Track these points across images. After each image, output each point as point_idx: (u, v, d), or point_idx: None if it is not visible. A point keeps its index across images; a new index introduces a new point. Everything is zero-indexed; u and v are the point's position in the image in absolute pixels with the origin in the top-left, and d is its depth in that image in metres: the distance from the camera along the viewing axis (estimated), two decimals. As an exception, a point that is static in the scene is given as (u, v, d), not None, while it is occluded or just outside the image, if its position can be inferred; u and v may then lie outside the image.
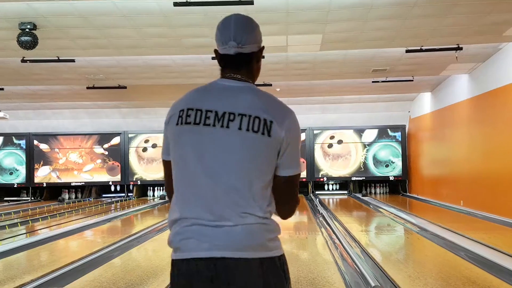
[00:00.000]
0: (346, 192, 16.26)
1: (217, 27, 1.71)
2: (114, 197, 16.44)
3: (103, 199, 16.11)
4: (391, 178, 15.89)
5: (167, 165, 1.73)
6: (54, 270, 5.36)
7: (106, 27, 6.99)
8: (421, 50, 8.38)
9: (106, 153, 16.31)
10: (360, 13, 6.63)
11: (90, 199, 16.09)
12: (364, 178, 15.94)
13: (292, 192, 1.69)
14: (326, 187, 16.50)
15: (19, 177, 16.29)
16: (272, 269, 1.58)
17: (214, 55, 7.24)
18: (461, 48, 8.32)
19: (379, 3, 6.33)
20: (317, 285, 4.67)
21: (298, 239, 7.47)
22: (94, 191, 16.65)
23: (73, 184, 16.31)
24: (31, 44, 6.80)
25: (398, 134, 15.90)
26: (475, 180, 10.33)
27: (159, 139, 16.24)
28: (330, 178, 16.16)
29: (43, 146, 16.28)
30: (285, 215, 1.72)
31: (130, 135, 16.32)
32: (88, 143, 16.32)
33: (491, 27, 7.28)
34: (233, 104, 1.60)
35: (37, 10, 6.40)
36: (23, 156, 16.28)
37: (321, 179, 16.06)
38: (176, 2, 5.88)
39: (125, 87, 11.43)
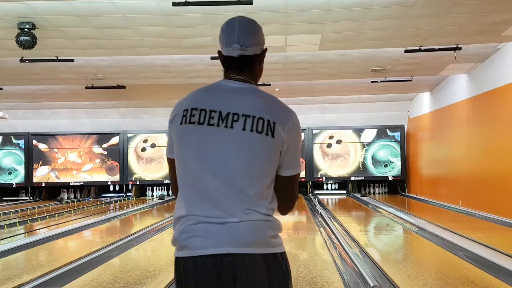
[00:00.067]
0: (345, 192, 16.26)
1: (221, 29, 1.73)
2: (113, 196, 16.42)
3: (102, 199, 16.08)
4: (390, 178, 15.90)
5: (171, 162, 1.77)
6: (53, 270, 5.35)
7: (105, 27, 6.98)
8: (420, 50, 8.37)
9: (105, 153, 16.29)
10: (359, 13, 6.62)
11: (89, 199, 16.06)
12: (363, 178, 15.94)
13: (292, 190, 1.75)
14: (325, 186, 16.49)
15: (18, 177, 16.26)
16: (276, 265, 1.62)
17: (213, 55, 7.26)
18: (460, 48, 8.31)
19: (378, 3, 6.33)
20: (316, 285, 4.66)
21: (297, 239, 7.46)
22: (93, 191, 16.64)
23: (72, 184, 16.29)
24: (30, 44, 6.78)
25: (397, 134, 15.90)
26: (474, 180, 10.33)
27: (158, 139, 16.25)
28: (329, 178, 16.16)
29: (42, 146, 16.26)
30: (284, 210, 1.78)
31: (129, 135, 16.31)
32: (87, 143, 16.30)
33: (490, 27, 7.27)
34: (237, 105, 1.63)
35: (36, 10, 6.39)
36: (22, 156, 16.26)
37: (320, 179, 16.06)
38: (175, 2, 5.87)
39: (124, 87, 11.40)
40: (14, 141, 16.28)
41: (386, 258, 6.05)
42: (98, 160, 16.31)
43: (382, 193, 16.22)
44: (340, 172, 16.02)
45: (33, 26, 6.76)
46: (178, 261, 1.64)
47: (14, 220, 10.33)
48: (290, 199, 1.76)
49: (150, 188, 16.69)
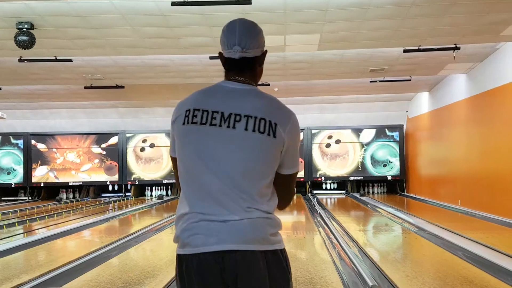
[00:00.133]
0: (344, 192, 16.25)
1: (222, 31, 1.78)
2: (112, 196, 16.39)
3: (102, 198, 16.06)
4: (389, 178, 15.89)
5: (175, 161, 1.81)
6: (52, 270, 5.33)
7: (104, 26, 6.97)
8: (418, 50, 8.36)
9: (104, 152, 16.26)
10: (358, 13, 6.62)
11: (88, 199, 16.03)
12: (362, 177, 15.93)
13: (290, 187, 1.82)
14: (324, 186, 16.48)
15: (16, 177, 16.23)
16: (276, 261, 1.67)
17: (212, 55, 7.26)
18: (458, 48, 8.31)
19: (376, 3, 6.32)
20: (315, 284, 4.65)
21: (296, 238, 7.45)
22: (92, 191, 16.61)
23: (70, 184, 16.25)
24: (29, 43, 6.77)
25: (396, 134, 15.90)
26: (472, 179, 10.34)
27: (157, 138, 16.23)
28: (328, 178, 16.15)
29: (41, 146, 16.23)
30: (283, 205, 1.84)
31: (128, 135, 16.28)
32: (86, 142, 16.27)
33: (489, 26, 7.27)
34: (238, 106, 1.68)
35: (35, 9, 6.38)
36: (20, 156, 16.23)
37: (319, 179, 16.05)
38: (174, 2, 5.86)
39: (122, 87, 11.38)
40: (12, 141, 16.25)
41: (385, 257, 6.04)
42: (97, 160, 16.28)
43: (381, 193, 16.21)
44: (339, 172, 16.02)
45: (32, 26, 6.74)
46: (180, 259, 1.68)
47: (13, 220, 10.30)
48: (288, 195, 1.83)
49: (149, 188, 16.66)
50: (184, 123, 1.70)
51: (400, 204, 13.14)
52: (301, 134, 15.72)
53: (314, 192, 15.99)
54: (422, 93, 14.02)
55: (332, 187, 16.57)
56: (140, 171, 16.25)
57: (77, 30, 7.12)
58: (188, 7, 6.11)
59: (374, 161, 15.92)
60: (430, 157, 13.59)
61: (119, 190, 16.59)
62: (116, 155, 16.23)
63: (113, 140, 16.30)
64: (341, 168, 15.99)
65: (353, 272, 5.07)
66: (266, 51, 1.83)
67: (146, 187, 16.68)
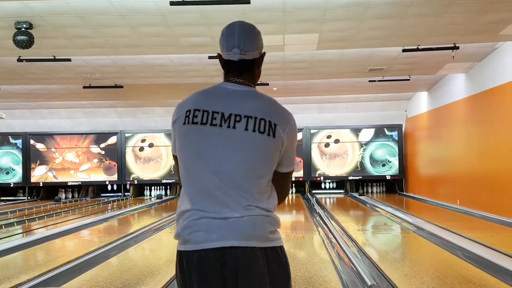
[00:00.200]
0: (343, 191, 16.24)
1: (221, 33, 1.82)
2: (111, 196, 16.35)
3: (101, 198, 16.02)
4: (388, 178, 15.89)
5: (177, 159, 1.85)
6: (51, 269, 5.33)
7: (103, 26, 6.95)
8: (417, 49, 8.35)
9: (103, 152, 16.22)
10: (357, 12, 6.61)
11: (87, 199, 15.99)
12: (361, 177, 15.93)
13: (286, 184, 1.89)
14: (322, 185, 16.47)
15: (15, 177, 16.19)
16: (276, 258, 1.72)
17: (211, 55, 7.28)
18: (457, 47, 8.30)
19: (375, 2, 6.31)
20: (314, 284, 4.65)
21: (294, 238, 7.45)
22: (91, 190, 16.57)
23: (69, 183, 16.21)
24: (27, 43, 6.76)
25: (394, 134, 15.90)
26: (471, 179, 10.33)
27: (156, 138, 16.21)
28: (327, 178, 16.15)
29: (40, 146, 16.19)
30: (279, 201, 1.89)
31: (126, 135, 16.23)
32: (85, 142, 16.23)
33: (488, 26, 7.26)
34: (238, 107, 1.73)
35: (33, 9, 6.36)
36: (19, 155, 16.19)
37: (318, 179, 16.05)
38: (173, 1, 5.86)
39: (121, 87, 11.36)
40: (11, 140, 16.20)
41: (384, 257, 6.03)
42: (96, 160, 16.24)
43: (380, 192, 16.20)
44: (338, 172, 16.01)
45: (30, 26, 6.72)
46: (181, 255, 1.72)
47: (12, 220, 10.26)
48: (284, 191, 1.90)
49: (148, 187, 16.62)
50: (184, 123, 1.74)
51: (399, 204, 13.13)
52: (300, 134, 15.80)
53: (313, 191, 15.98)
54: (421, 92, 14.01)
55: (330, 186, 16.55)
56: (139, 171, 16.22)
57: (76, 30, 7.10)
58: (187, 6, 6.10)
59: (373, 161, 15.91)
60: (429, 156, 13.58)
61: (118, 190, 16.57)
62: (115, 155, 16.19)
63: (112, 140, 16.26)
64: (340, 167, 15.99)
65: (352, 271, 5.06)
66: (265, 53, 1.88)
67: (145, 187, 16.65)
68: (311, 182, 16.08)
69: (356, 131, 15.98)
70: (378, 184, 16.33)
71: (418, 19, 6.92)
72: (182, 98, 1.86)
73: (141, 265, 5.75)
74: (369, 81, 11.54)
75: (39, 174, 16.19)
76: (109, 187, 16.64)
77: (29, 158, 16.12)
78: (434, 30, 7.42)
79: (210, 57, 8.51)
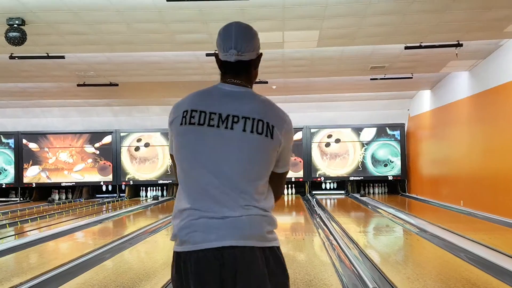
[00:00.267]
0: (343, 192, 16.15)
1: (218, 34, 1.85)
2: (106, 197, 16.28)
3: (95, 199, 15.95)
4: (390, 178, 15.79)
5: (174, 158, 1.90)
6: (44, 272, 5.27)
7: (97, 22, 6.87)
8: (420, 47, 8.29)
9: (98, 152, 16.10)
10: (358, 9, 6.54)
11: (81, 200, 15.90)
12: (362, 178, 15.82)
13: (281, 184, 1.93)
14: (323, 185, 16.37)
15: (7, 177, 16.06)
16: (274, 257, 1.75)
17: (208, 52, 7.16)
18: (461, 45, 8.25)
19: (377, -2, 6.23)
20: (314, 287, 4.62)
21: (294, 240, 7.42)
22: (85, 191, 16.48)
23: (63, 184, 16.08)
24: (20, 40, 6.68)
25: (397, 133, 15.80)
26: (475, 179, 10.26)
27: (152, 138, 16.09)
28: (327, 178, 16.03)
29: (32, 145, 16.06)
30: (275, 199, 1.91)
31: (122, 134, 16.09)
32: (79, 142, 16.10)
33: (492, 23, 7.20)
34: (236, 108, 1.76)
35: (26, 5, 6.27)
36: (11, 155, 16.06)
37: (319, 179, 15.93)
38: (169, -4, 5.76)
39: (116, 85, 11.30)
40: (3, 140, 16.06)
41: (385, 259, 5.98)
42: (90, 160, 16.11)
43: (381, 193, 16.13)
44: (339, 172, 15.90)
45: (23, 22, 6.64)
46: (179, 256, 1.73)
47: (4, 222, 10.15)
48: (279, 190, 1.93)
49: (144, 188, 16.51)
50: (182, 124, 1.77)
51: (401, 205, 13.09)
52: (300, 133, 15.77)
53: (314, 192, 15.90)
54: (423, 91, 13.95)
55: (331, 186, 16.44)
56: (135, 171, 16.08)
57: (69, 26, 7.02)
58: (184, 2, 6.09)
59: (375, 161, 15.81)
60: (432, 156, 13.51)
61: (113, 191, 16.45)
62: (110, 155, 16.05)
63: (107, 139, 16.12)
64: (341, 168, 15.88)
65: (353, 274, 5.03)
66: (261, 54, 1.90)
67: (141, 188, 16.53)
68: (311, 183, 15.98)
69: (358, 130, 15.87)
70: (379, 184, 16.24)
71: (421, 15, 6.86)
72: (179, 97, 1.86)
73: (137, 268, 5.71)
74: (371, 79, 11.48)
75: (31, 174, 16.05)
76: (104, 188, 16.53)
77: (22, 158, 15.97)
78: (437, 27, 7.37)
79: (207, 54, 8.44)
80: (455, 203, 11.16)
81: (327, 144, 15.90)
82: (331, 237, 7.39)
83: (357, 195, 15.23)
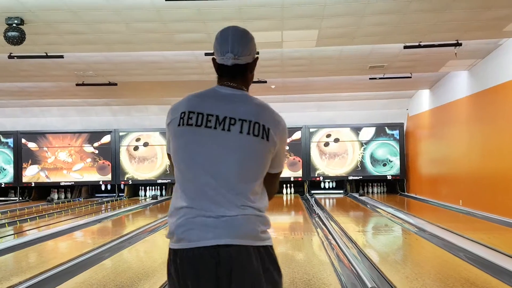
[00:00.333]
0: (342, 191, 16.13)
1: (216, 38, 1.89)
2: (105, 197, 16.23)
3: (94, 199, 15.92)
4: (389, 177, 15.77)
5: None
6: (43, 272, 5.26)
7: (96, 22, 6.85)
8: (419, 46, 8.27)
9: (97, 152, 16.05)
10: (357, 8, 6.53)
11: (80, 199, 15.86)
12: (361, 177, 15.81)
13: (275, 184, 1.97)
14: (322, 185, 16.35)
15: (6, 177, 16.01)
16: (269, 256, 1.79)
17: (207, 51, 7.18)
18: (460, 44, 8.23)
19: (376, -3, 6.22)
20: (313, 286, 4.62)
21: (293, 239, 7.40)
22: (84, 191, 16.44)
23: (62, 183, 16.03)
24: (19, 39, 6.65)
25: (396, 132, 15.78)
26: (474, 179, 10.25)
27: (150, 137, 16.06)
28: (326, 178, 16.01)
29: (31, 145, 16.02)
30: (268, 198, 1.96)
31: (121, 133, 16.05)
32: (78, 141, 16.06)
33: (491, 22, 7.18)
34: (233, 110, 1.80)
35: (25, 4, 6.25)
36: (10, 155, 16.02)
37: (317, 178, 15.92)
38: (167, -4, 5.75)
39: (115, 84, 11.27)
40: (2, 139, 16.02)
41: (384, 259, 5.96)
42: (89, 159, 16.07)
43: (380, 192, 16.11)
44: (337, 171, 15.88)
45: (22, 21, 6.62)
46: (175, 253, 1.76)
47: (3, 221, 10.13)
48: (273, 190, 1.97)
49: (142, 188, 16.47)
50: (179, 125, 1.81)
51: (400, 204, 13.06)
52: (299, 133, 15.75)
53: (312, 192, 15.88)
54: (422, 90, 13.93)
55: (330, 185, 16.42)
56: (134, 170, 16.04)
57: (68, 26, 7.00)
58: (183, 2, 6.06)
59: (374, 160, 15.79)
60: (431, 156, 13.50)
61: (112, 190, 16.40)
62: (109, 154, 16.00)
63: (106, 138, 16.07)
64: (340, 167, 15.86)
65: (351, 273, 5.02)
66: (257, 58, 1.96)
67: (140, 187, 16.49)
68: (310, 182, 15.96)
69: (357, 130, 15.85)
70: (378, 184, 16.21)
71: (420, 15, 6.84)
72: (178, 96, 1.88)
73: (136, 267, 5.69)
74: (370, 78, 11.46)
75: (31, 174, 16.00)
76: (103, 187, 16.47)
77: (21, 157, 15.92)
78: (436, 26, 7.35)
79: (206, 54, 8.43)
80: (454, 202, 11.14)
81: (326, 144, 15.88)
82: (330, 237, 7.38)
83: (356, 195, 15.21)
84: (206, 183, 1.75)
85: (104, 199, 15.54)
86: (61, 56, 8.57)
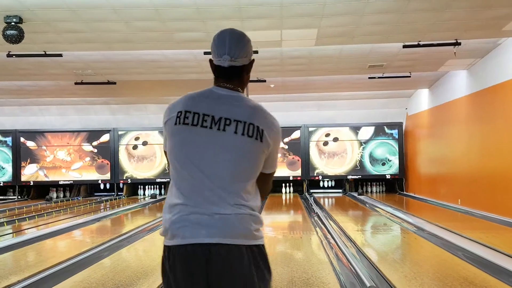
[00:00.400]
0: (341, 190, 16.13)
1: (213, 40, 1.94)
2: (104, 196, 16.21)
3: (93, 198, 15.90)
4: (388, 177, 15.77)
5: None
6: (42, 270, 5.26)
7: (95, 20, 6.83)
8: (418, 45, 8.25)
9: (95, 150, 16.03)
10: (356, 7, 6.51)
11: (79, 198, 15.84)
12: (360, 176, 15.80)
13: (267, 184, 2.00)
14: (321, 183, 16.35)
15: (5, 175, 15.98)
16: (261, 255, 1.83)
17: (206, 50, 7.20)
18: (459, 44, 8.20)
19: (375, -3, 6.21)
20: (312, 285, 4.62)
21: (292, 239, 7.40)
22: (83, 189, 16.42)
23: (61, 182, 16.00)
24: (17, 38, 6.63)
25: (395, 132, 15.78)
26: (473, 178, 10.24)
27: (149, 136, 16.05)
28: (325, 177, 16.01)
29: (30, 144, 15.99)
30: (261, 197, 1.99)
31: (120, 132, 16.02)
32: (77, 140, 16.03)
33: (490, 21, 7.16)
34: (228, 111, 1.84)
35: (23, 2, 6.23)
36: (9, 153, 15.99)
37: (317, 178, 15.91)
38: (166, -6, 5.73)
39: (114, 83, 11.22)
40: (1, 138, 15.97)
41: (383, 258, 5.97)
42: (88, 158, 16.04)
43: (379, 192, 16.11)
44: (337, 171, 15.88)
45: (20, 20, 6.59)
46: (169, 249, 1.80)
47: (2, 220, 10.12)
48: (266, 190, 2.01)
49: (141, 187, 16.45)
50: (176, 124, 1.84)
51: (399, 204, 13.07)
52: (298, 132, 15.74)
53: (311, 191, 15.87)
54: (422, 89, 13.92)
55: (329, 184, 16.42)
56: (133, 169, 16.02)
57: (67, 24, 6.97)
58: (182, 0, 6.00)
59: (373, 160, 15.79)
60: (430, 155, 13.50)
61: (111, 189, 16.36)
62: (108, 153, 15.97)
63: (105, 137, 16.05)
64: (339, 166, 15.85)
65: (350, 272, 5.02)
66: (253, 60, 1.99)
67: (139, 186, 16.46)
68: (309, 181, 15.95)
69: (356, 129, 15.84)
70: (377, 183, 16.22)
71: (419, 14, 6.83)
72: (177, 95, 1.92)
73: (135, 266, 5.69)
74: (369, 77, 11.44)
75: (29, 172, 15.98)
76: (102, 186, 16.43)
77: (19, 156, 15.89)
78: (436, 25, 7.33)
79: (205, 53, 8.41)
80: (453, 201, 11.14)
81: (325, 143, 15.87)
82: (328, 236, 7.37)
83: (355, 194, 15.21)
84: (201, 182, 1.79)
85: (103, 198, 15.51)
86: (60, 55, 8.55)
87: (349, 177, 15.81)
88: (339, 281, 4.74)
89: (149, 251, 6.80)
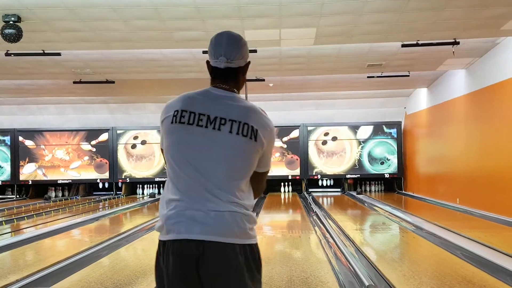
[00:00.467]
0: (340, 189, 16.13)
1: (210, 41, 1.99)
2: (102, 195, 16.19)
3: (92, 197, 15.90)
4: (387, 176, 15.78)
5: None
6: (40, 270, 5.26)
7: (93, 19, 6.82)
8: (417, 45, 8.26)
9: (94, 150, 16.02)
10: (355, 6, 6.51)
11: (77, 197, 15.83)
12: (359, 175, 15.81)
13: (261, 183, 2.04)
14: (319, 182, 16.35)
15: (4, 175, 15.97)
16: (253, 254, 1.86)
17: (205, 49, 7.20)
18: (458, 43, 8.20)
19: (374, -4, 6.21)
20: (310, 284, 4.61)
21: (291, 238, 7.39)
22: (82, 189, 16.41)
23: (59, 181, 16.01)
24: (16, 37, 6.63)
25: (393, 131, 15.79)
26: (471, 177, 10.25)
27: (148, 135, 16.03)
28: (324, 176, 16.01)
29: (29, 143, 15.98)
30: (254, 196, 2.03)
31: (118, 132, 16.02)
32: (75, 139, 16.02)
33: (489, 21, 7.16)
34: (223, 111, 1.88)
35: (22, 1, 6.23)
36: (7, 152, 15.97)
37: (315, 177, 15.92)
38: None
39: (113, 82, 11.22)
40: (-1, 137, 16.08)
41: (382, 257, 5.97)
42: (86, 157, 16.03)
43: (378, 191, 16.13)
44: (335, 170, 15.89)
45: (19, 19, 6.58)
46: (164, 244, 1.84)
47: (0, 219, 10.15)
48: (260, 188, 2.04)
49: (140, 186, 16.44)
50: (172, 122, 1.89)
51: (398, 203, 13.07)
52: (297, 131, 15.73)
53: (310, 190, 15.88)
54: (420, 89, 13.93)
55: (328, 183, 16.42)
56: (131, 168, 16.01)
57: (66, 23, 6.96)
58: (181, -1, 6.00)
59: (372, 159, 15.80)
60: (428, 154, 13.50)
61: (110, 188, 16.36)
62: (107, 152, 15.96)
63: (103, 136, 16.04)
64: (338, 165, 15.86)
65: (349, 271, 5.02)
66: (249, 62, 2.04)
67: (138, 185, 16.45)
68: (308, 180, 15.96)
69: (354, 128, 15.85)
70: (376, 182, 16.24)
71: (418, 13, 6.83)
72: (175, 94, 1.96)
73: (133, 265, 5.69)
74: (368, 77, 11.44)
75: (28, 171, 15.97)
76: (101, 185, 16.42)
77: (18, 155, 15.87)
78: (434, 25, 7.33)
79: (204, 52, 8.39)
80: (452, 201, 11.15)
81: (324, 142, 15.88)
82: (327, 235, 7.37)
83: (354, 193, 15.22)
84: (196, 179, 1.83)
85: (102, 197, 15.50)
86: (58, 54, 8.55)
87: (348, 176, 15.82)
88: (338, 280, 4.74)
89: (147, 250, 6.77)
